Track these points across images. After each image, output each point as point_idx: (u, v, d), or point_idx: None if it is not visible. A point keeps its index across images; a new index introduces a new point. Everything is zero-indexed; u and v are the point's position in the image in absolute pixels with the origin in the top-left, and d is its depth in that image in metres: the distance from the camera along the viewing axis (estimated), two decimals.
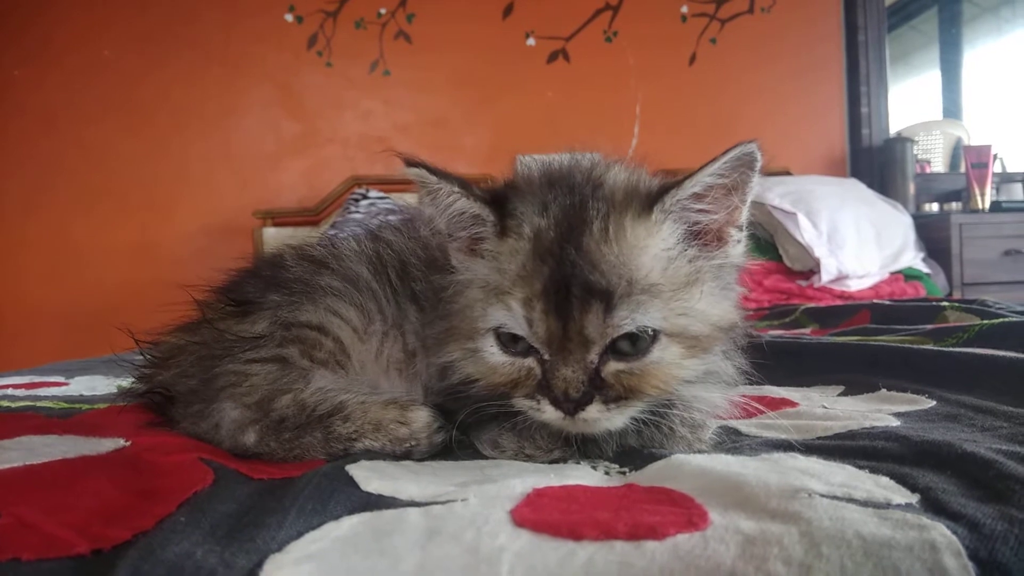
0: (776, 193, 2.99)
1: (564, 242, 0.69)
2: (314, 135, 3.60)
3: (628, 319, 0.67)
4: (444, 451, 0.79)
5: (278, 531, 0.54)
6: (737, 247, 0.76)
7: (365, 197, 3.16)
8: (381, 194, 3.17)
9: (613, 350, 0.69)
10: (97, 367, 1.66)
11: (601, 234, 0.69)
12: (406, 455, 0.76)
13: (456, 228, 0.77)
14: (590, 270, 0.67)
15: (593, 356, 0.69)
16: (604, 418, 0.70)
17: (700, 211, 0.72)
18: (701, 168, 0.70)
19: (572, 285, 0.67)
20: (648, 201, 0.71)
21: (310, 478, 0.63)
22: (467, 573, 0.48)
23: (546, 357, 0.70)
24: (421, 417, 0.77)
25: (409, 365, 0.85)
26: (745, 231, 0.76)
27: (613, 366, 0.69)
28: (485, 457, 0.77)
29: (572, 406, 0.68)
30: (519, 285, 0.70)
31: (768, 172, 3.41)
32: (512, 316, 0.70)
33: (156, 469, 0.69)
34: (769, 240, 3.01)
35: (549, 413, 0.70)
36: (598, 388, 0.69)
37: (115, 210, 3.41)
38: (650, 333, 0.68)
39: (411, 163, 0.74)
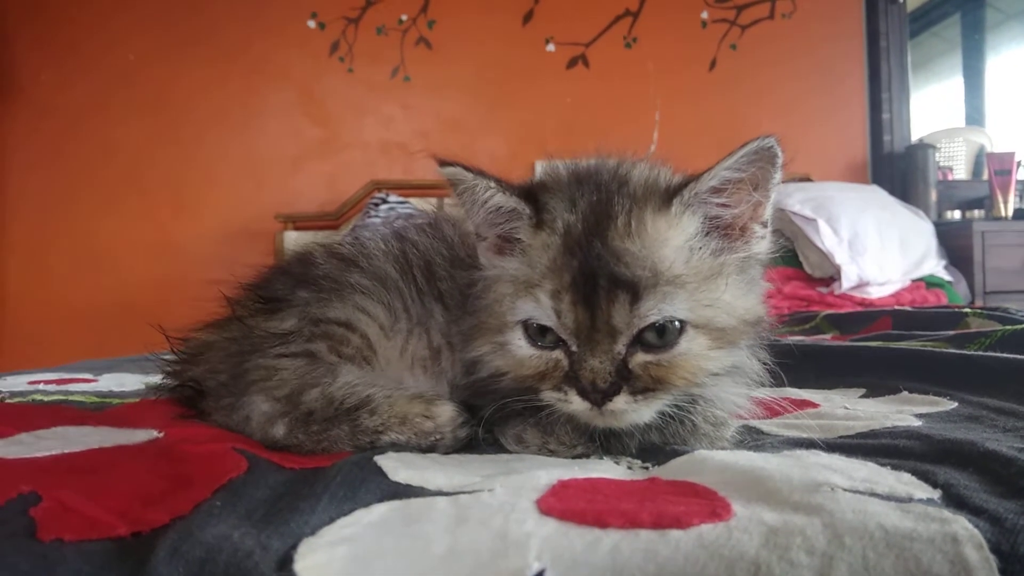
0: (796, 199, 2.99)
1: (591, 236, 0.71)
2: (335, 140, 3.64)
3: (655, 309, 0.68)
4: (468, 446, 0.80)
5: (311, 516, 0.56)
6: (761, 243, 0.77)
7: (385, 202, 3.20)
8: (400, 199, 3.20)
9: (640, 342, 0.70)
10: (124, 365, 1.69)
11: (625, 228, 0.71)
12: (431, 449, 0.77)
13: (488, 226, 0.78)
14: (615, 262, 0.69)
15: (620, 347, 0.70)
16: (631, 409, 0.71)
17: (720, 205, 0.73)
18: (719, 162, 0.71)
19: (599, 277, 0.69)
20: (667, 195, 0.73)
21: (340, 467, 0.65)
22: (496, 557, 0.49)
23: (574, 348, 0.71)
24: (446, 412, 0.79)
25: (434, 362, 0.86)
26: (770, 227, 0.77)
27: (641, 357, 0.70)
28: (509, 452, 0.78)
29: (600, 396, 0.69)
30: (548, 278, 0.71)
31: (788, 178, 3.41)
32: (541, 308, 0.71)
33: (190, 458, 0.71)
34: (789, 247, 3.00)
35: (577, 404, 0.71)
36: (625, 379, 0.70)
37: (139, 211, 3.47)
38: (677, 324, 0.70)
39: (445, 163, 0.76)
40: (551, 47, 3.71)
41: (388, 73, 3.66)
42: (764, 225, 0.76)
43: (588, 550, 0.50)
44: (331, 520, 0.55)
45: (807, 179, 3.47)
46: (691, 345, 0.71)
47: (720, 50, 3.75)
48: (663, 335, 0.70)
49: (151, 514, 0.57)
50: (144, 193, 3.47)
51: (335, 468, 0.65)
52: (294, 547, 0.51)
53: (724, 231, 0.75)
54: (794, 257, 2.97)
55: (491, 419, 0.80)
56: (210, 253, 3.43)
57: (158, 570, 0.49)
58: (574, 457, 0.76)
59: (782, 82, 3.71)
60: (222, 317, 0.92)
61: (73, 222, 3.42)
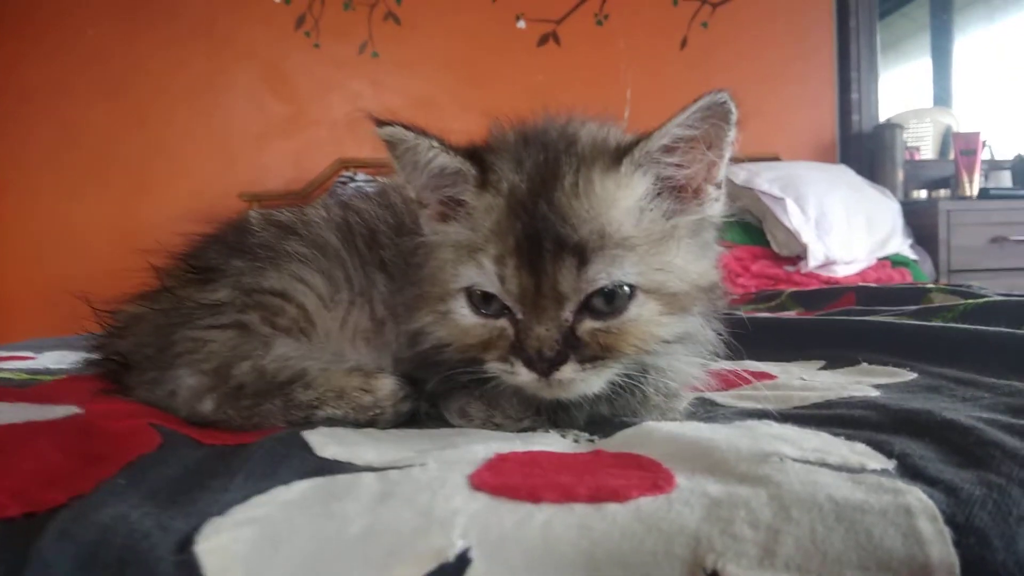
0: (765, 178, 2.97)
1: (536, 197, 0.67)
2: (301, 116, 3.55)
3: (603, 273, 0.65)
4: (411, 421, 0.77)
5: (222, 495, 0.51)
6: (715, 205, 0.73)
7: (353, 180, 3.13)
8: (368, 177, 3.14)
9: (588, 308, 0.67)
10: (72, 344, 1.62)
11: (572, 188, 0.67)
12: (370, 424, 0.73)
13: (431, 190, 0.74)
14: (561, 224, 0.65)
15: (567, 313, 0.66)
16: (579, 379, 0.67)
17: (673, 165, 0.70)
18: (670, 118, 0.67)
19: (545, 240, 0.65)
20: (617, 154, 0.69)
21: (263, 443, 0.61)
22: (417, 536, 0.45)
23: (519, 316, 0.68)
24: (386, 385, 0.75)
25: (377, 334, 0.82)
26: (724, 188, 0.73)
27: (589, 324, 0.67)
28: (453, 427, 0.74)
29: (546, 366, 0.66)
30: (492, 241, 0.68)
31: (758, 157, 3.40)
32: (484, 274, 0.68)
33: (106, 434, 0.66)
34: (758, 225, 2.98)
35: (523, 375, 0.67)
36: (573, 347, 0.66)
37: (103, 192, 3.35)
38: (626, 289, 0.66)
39: (383, 122, 0.71)
40: (522, 24, 3.64)
41: (356, 49, 3.57)
42: (718, 186, 0.73)
43: (518, 527, 0.46)
44: (245, 498, 0.51)
45: (776, 158, 3.45)
46: (641, 311, 0.67)
47: (691, 28, 3.71)
48: (612, 301, 0.66)
49: (49, 494, 0.52)
50: (107, 173, 3.35)
51: (257, 444, 0.61)
52: (197, 528, 0.47)
53: (677, 192, 0.71)
54: (762, 236, 2.96)
55: (435, 392, 0.76)
56: (171, 233, 3.32)
57: (43, 554, 0.44)
58: (520, 431, 0.72)
59: (752, 61, 3.68)
60: (152, 288, 0.86)
61: (35, 204, 3.30)
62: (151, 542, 0.45)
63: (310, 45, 3.53)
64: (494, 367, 0.71)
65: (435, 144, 0.71)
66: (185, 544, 0.45)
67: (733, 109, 0.67)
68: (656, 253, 0.67)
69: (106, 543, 0.45)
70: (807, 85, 3.74)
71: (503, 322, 0.69)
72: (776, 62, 3.70)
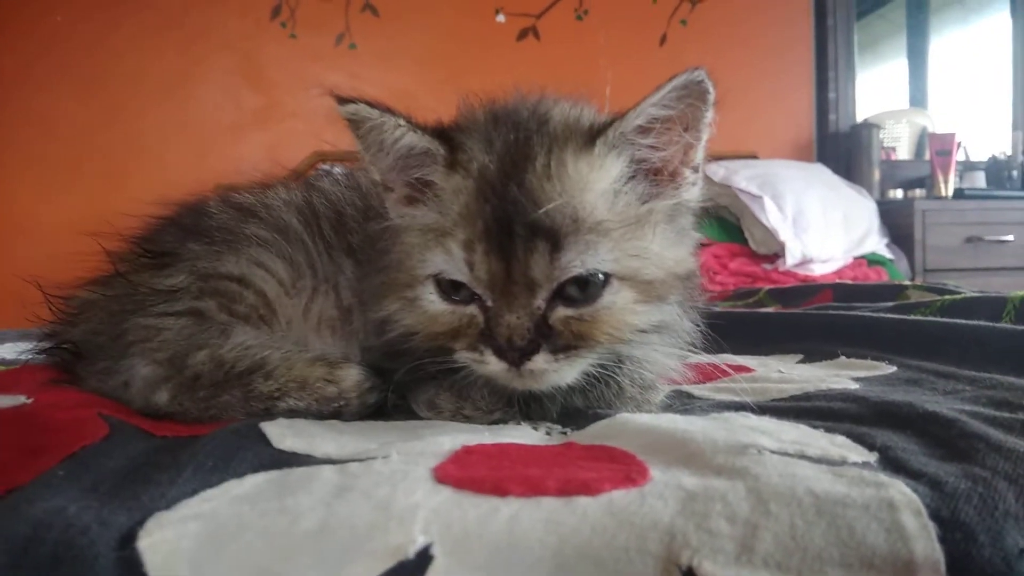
0: (743, 176, 2.97)
1: (507, 179, 0.64)
2: (277, 108, 3.48)
3: (577, 261, 0.62)
4: (378, 413, 0.73)
5: (169, 488, 0.48)
6: (692, 189, 0.70)
7: (329, 174, 3.07)
8: (346, 171, 3.08)
9: (561, 296, 0.64)
10: (33, 335, 1.56)
11: (544, 170, 0.64)
12: (335, 416, 0.70)
13: (398, 172, 0.71)
14: (533, 208, 0.62)
15: (540, 301, 0.64)
16: (552, 369, 0.64)
17: (649, 147, 0.67)
18: (645, 97, 0.64)
19: (516, 224, 0.62)
20: (591, 135, 0.66)
21: (216, 435, 0.57)
22: (374, 531, 0.42)
23: (489, 303, 0.65)
24: (351, 376, 0.71)
25: (344, 323, 0.79)
26: (702, 172, 0.71)
27: (561, 312, 0.64)
28: (421, 419, 0.71)
29: (517, 355, 0.63)
30: (460, 226, 0.65)
31: (736, 155, 3.40)
32: (452, 260, 0.65)
33: (50, 425, 0.62)
34: (736, 223, 2.98)
35: (493, 365, 0.64)
36: (545, 336, 0.63)
37: (72, 183, 3.26)
38: (600, 276, 0.63)
39: (345, 100, 0.68)
40: (501, 17, 3.61)
41: (333, 40, 3.51)
42: (695, 170, 0.70)
43: (483, 522, 0.43)
44: (193, 492, 0.48)
45: (754, 156, 3.45)
46: (615, 298, 0.64)
47: (670, 25, 3.70)
48: (586, 288, 0.63)
49: None
50: (74, 163, 3.27)
51: (210, 435, 0.57)
52: (141, 523, 0.44)
53: (652, 175, 0.68)
54: (740, 234, 2.96)
55: (403, 383, 0.73)
56: (130, 216, 3.24)
57: None
58: (491, 423, 0.69)
59: (731, 59, 3.68)
60: (106, 273, 0.82)
61: (2, 195, 3.21)
62: (89, 538, 0.42)
63: (286, 36, 3.47)
64: (464, 356, 0.68)
65: (402, 122, 0.68)
66: (127, 540, 0.42)
67: (710, 88, 0.64)
68: (631, 238, 0.65)
69: (39, 539, 0.42)
70: (785, 84, 3.75)
71: (473, 309, 0.66)
72: (754, 61, 3.70)
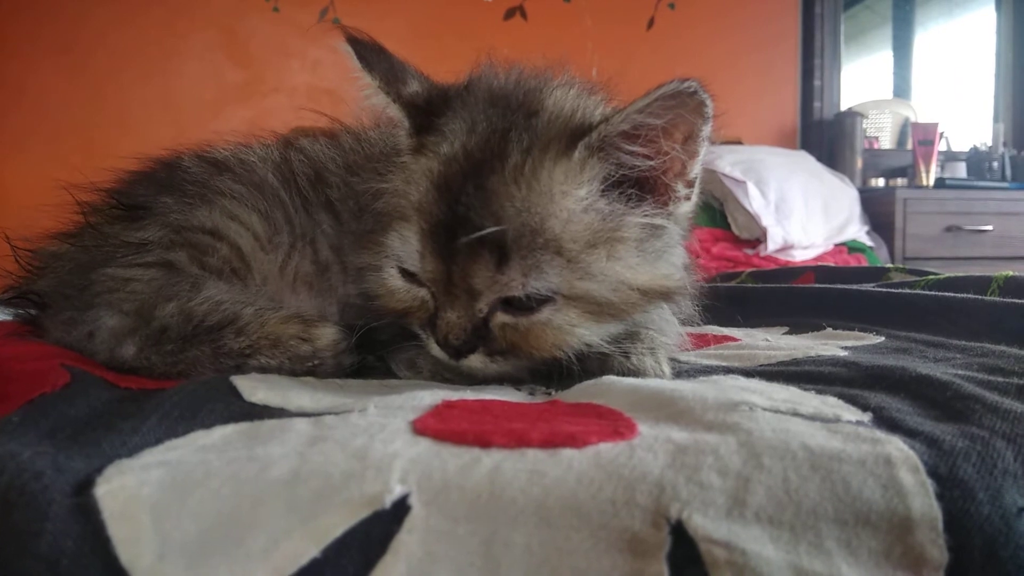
0: (727, 161, 2.96)
1: (467, 177, 0.60)
2: (259, 83, 3.41)
3: (518, 282, 0.59)
4: (355, 374, 0.71)
5: (132, 436, 0.46)
6: (683, 204, 0.65)
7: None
8: None
9: (505, 301, 0.61)
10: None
11: (512, 173, 0.60)
12: (308, 375, 0.68)
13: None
14: (486, 215, 0.58)
15: (482, 305, 0.61)
16: (486, 367, 0.64)
17: (635, 154, 0.60)
18: (632, 102, 0.58)
19: (462, 228, 0.59)
20: (573, 137, 0.60)
21: (184, 386, 0.55)
22: (349, 480, 0.40)
23: (436, 296, 0.64)
24: (327, 334, 0.69)
25: (321, 279, 0.76)
26: (697, 188, 0.65)
27: (501, 318, 0.62)
28: (400, 379, 0.69)
29: (453, 352, 0.62)
30: (417, 214, 0.62)
31: (720, 140, 3.39)
32: (405, 249, 0.63)
33: (11, 376, 0.59)
34: (719, 208, 2.98)
35: (436, 351, 0.65)
36: (482, 338, 0.62)
37: (47, 155, 3.18)
38: (543, 293, 0.60)
39: (352, 39, 0.66)
40: None
41: (316, 14, 3.44)
42: (690, 184, 0.64)
43: (463, 472, 0.41)
44: (157, 441, 0.46)
45: (738, 142, 3.45)
46: (554, 317, 0.61)
47: (658, 9, 3.67)
48: (529, 298, 0.60)
49: None
50: (52, 136, 3.18)
51: (178, 387, 0.55)
52: (99, 470, 0.41)
53: (637, 185, 0.63)
54: (723, 218, 2.95)
55: (382, 342, 0.71)
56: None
57: None
58: (471, 384, 0.67)
59: (718, 45, 3.66)
60: (76, 225, 0.79)
61: None
62: (43, 483, 0.39)
63: (269, 9, 3.40)
64: (418, 331, 0.67)
65: (377, 84, 0.66)
66: (84, 486, 0.40)
67: (707, 101, 0.57)
68: (589, 259, 0.60)
69: None
70: (771, 71, 3.74)
71: (425, 293, 0.65)
72: (741, 47, 3.69)
